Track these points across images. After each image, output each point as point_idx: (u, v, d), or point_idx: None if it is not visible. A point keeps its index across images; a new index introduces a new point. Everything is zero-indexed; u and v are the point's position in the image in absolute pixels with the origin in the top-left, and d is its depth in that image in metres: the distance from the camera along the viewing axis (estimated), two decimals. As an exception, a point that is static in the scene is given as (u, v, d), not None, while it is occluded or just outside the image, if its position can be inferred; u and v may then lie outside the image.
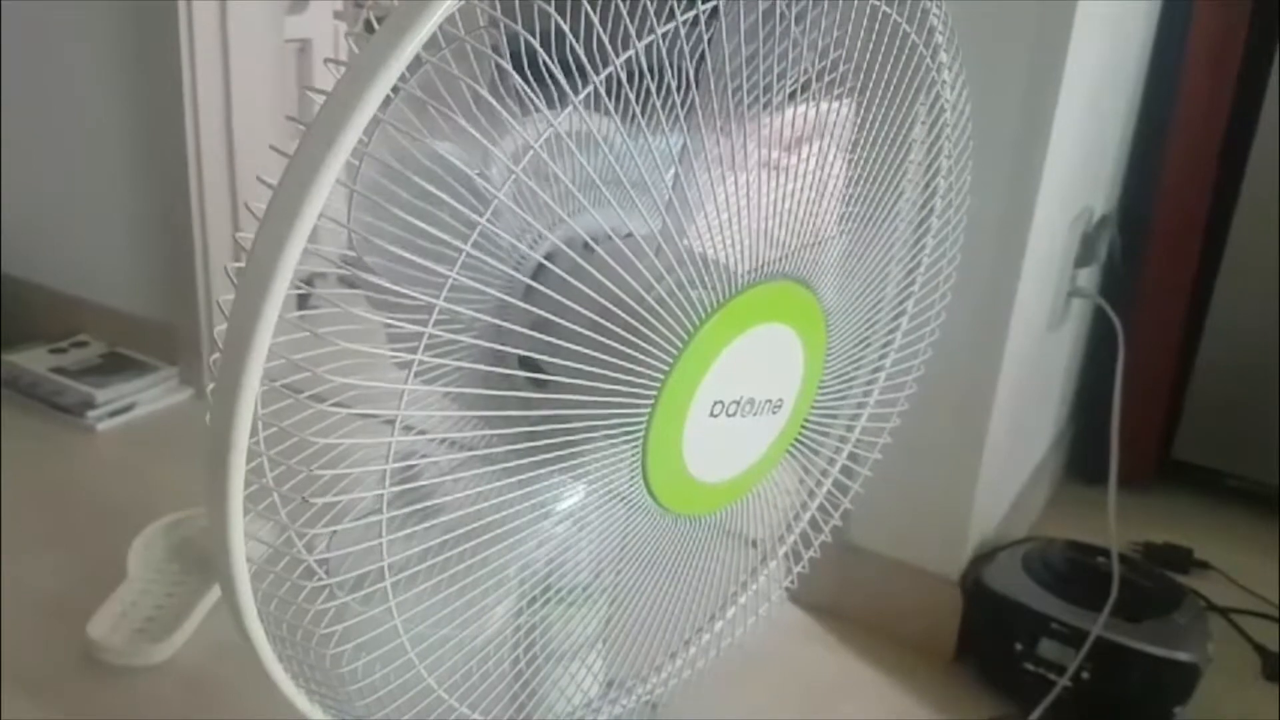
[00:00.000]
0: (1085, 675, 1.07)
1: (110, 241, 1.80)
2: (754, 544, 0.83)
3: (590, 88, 0.51)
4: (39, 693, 1.08)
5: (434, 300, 0.50)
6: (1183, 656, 1.06)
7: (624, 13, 0.50)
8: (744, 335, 0.63)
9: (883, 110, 0.66)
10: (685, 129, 0.56)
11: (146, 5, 1.59)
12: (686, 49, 0.52)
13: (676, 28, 0.52)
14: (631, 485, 0.63)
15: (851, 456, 0.85)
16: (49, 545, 1.31)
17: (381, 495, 0.54)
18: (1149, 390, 1.51)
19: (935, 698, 1.14)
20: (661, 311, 0.58)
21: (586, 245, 0.58)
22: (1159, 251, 1.48)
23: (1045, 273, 1.19)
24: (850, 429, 0.84)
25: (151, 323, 1.79)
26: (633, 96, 0.53)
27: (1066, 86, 1.01)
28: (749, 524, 0.78)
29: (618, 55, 0.51)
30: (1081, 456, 1.60)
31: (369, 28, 0.54)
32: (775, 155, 0.61)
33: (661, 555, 0.72)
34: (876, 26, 0.63)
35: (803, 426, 0.74)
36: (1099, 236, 1.32)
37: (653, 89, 0.53)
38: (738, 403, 0.65)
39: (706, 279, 0.59)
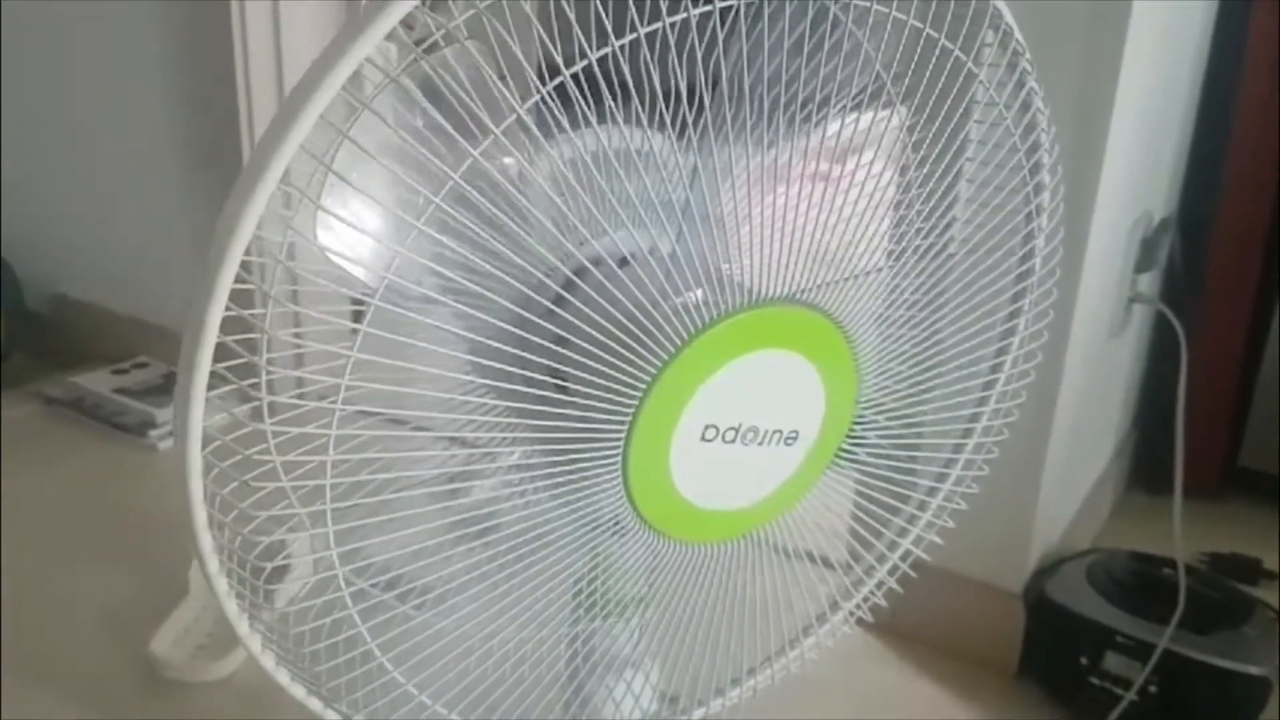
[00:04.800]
0: (1152, 689, 1.05)
1: (170, 263, 1.82)
2: (831, 564, 0.80)
3: (534, 100, 0.50)
4: (102, 708, 1.09)
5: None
6: (1253, 670, 1.03)
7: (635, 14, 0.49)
8: (739, 360, 0.60)
9: (934, 133, 0.63)
10: (683, 144, 0.54)
11: (200, 41, 1.62)
12: (675, 57, 0.50)
13: (663, 29, 0.50)
14: (614, 500, 0.61)
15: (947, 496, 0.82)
16: (112, 562, 1.33)
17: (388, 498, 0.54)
18: (1213, 396, 1.48)
19: (998, 714, 1.12)
20: (648, 326, 0.57)
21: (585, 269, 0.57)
22: (1221, 255, 1.45)
23: (1105, 279, 1.17)
24: (944, 475, 0.81)
25: (210, 342, 1.81)
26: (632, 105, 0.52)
27: (1123, 88, 1.00)
28: (821, 555, 0.76)
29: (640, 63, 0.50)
30: (1145, 465, 1.57)
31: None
32: (783, 174, 0.59)
33: (700, 581, 0.70)
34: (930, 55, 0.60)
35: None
36: (1159, 241, 1.30)
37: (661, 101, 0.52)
38: (736, 430, 0.62)
39: (700, 298, 0.57)
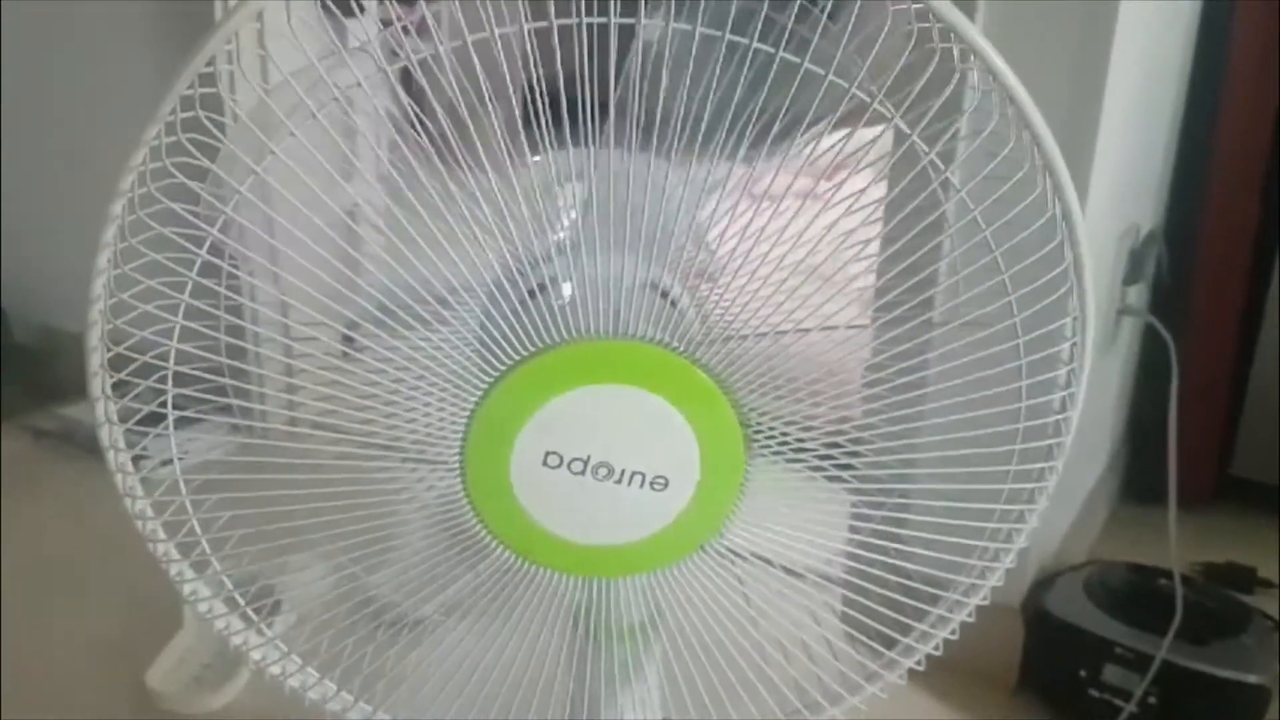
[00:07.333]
0: (1152, 701, 1.05)
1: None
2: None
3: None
4: (100, 743, 1.08)
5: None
6: (1252, 678, 1.04)
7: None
8: (583, 390, 0.59)
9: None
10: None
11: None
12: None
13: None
14: (456, 506, 0.63)
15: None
16: (107, 594, 1.32)
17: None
18: (1204, 407, 1.49)
19: (999, 728, 1.12)
20: (482, 335, 0.59)
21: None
22: (1208, 265, 1.46)
23: (1095, 292, 1.17)
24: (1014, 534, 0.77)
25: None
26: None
27: (1109, 101, 1.00)
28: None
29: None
30: (1137, 477, 1.57)
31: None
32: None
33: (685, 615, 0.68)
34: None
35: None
36: (1147, 253, 1.30)
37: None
38: (584, 462, 0.60)
39: (529, 318, 0.58)
